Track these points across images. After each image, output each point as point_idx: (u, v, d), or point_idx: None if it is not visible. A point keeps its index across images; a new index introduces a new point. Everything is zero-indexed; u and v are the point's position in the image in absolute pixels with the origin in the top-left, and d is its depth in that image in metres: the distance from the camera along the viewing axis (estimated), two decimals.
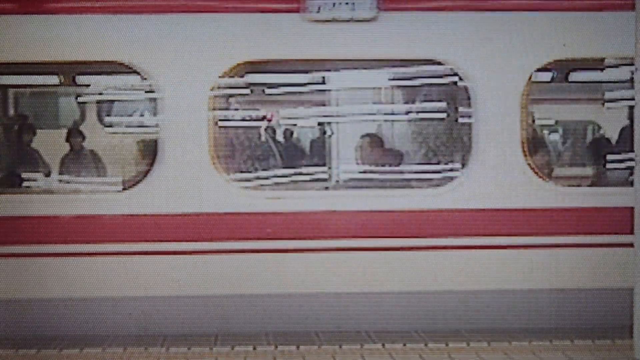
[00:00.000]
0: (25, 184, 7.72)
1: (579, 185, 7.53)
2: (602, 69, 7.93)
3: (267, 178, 7.44)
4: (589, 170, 8.35)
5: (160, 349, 6.22)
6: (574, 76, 8.39)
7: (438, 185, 6.97)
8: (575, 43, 6.86)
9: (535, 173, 6.84)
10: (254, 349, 6.18)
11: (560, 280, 6.82)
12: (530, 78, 6.82)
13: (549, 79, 8.15)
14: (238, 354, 6.08)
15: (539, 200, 6.78)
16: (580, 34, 6.87)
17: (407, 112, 8.21)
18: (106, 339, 6.44)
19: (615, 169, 7.81)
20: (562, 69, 7.93)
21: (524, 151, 6.77)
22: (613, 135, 8.64)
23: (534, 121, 8.06)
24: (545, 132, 8.22)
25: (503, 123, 6.76)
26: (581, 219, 6.83)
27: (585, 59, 7.31)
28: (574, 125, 9.65)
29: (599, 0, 6.96)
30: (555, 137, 8.47)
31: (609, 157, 7.96)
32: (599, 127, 9.94)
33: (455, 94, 7.16)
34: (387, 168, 7.48)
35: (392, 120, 8.35)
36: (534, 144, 7.29)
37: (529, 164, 6.80)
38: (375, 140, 7.73)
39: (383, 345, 6.25)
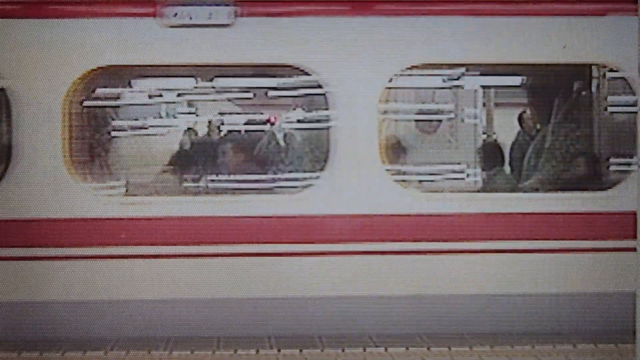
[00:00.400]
0: None
1: (442, 191, 7.48)
2: (464, 74, 7.87)
3: (130, 184, 7.40)
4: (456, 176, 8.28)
5: (163, 352, 6.23)
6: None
7: (297, 191, 6.96)
8: (437, 47, 6.84)
9: (395, 179, 6.83)
10: (257, 352, 6.19)
11: (418, 287, 6.75)
12: (390, 82, 6.83)
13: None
14: (240, 357, 6.10)
15: (397, 207, 6.72)
16: (443, 38, 6.81)
17: (267, 119, 8.30)
18: (109, 341, 6.45)
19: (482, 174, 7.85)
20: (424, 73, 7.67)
21: (382, 157, 6.73)
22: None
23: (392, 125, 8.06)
24: (410, 137, 8.12)
25: (361, 129, 6.71)
26: (443, 225, 6.78)
27: (451, 64, 7.26)
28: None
29: (460, 6, 6.90)
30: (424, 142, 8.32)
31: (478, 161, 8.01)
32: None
33: (314, 100, 7.14)
34: (247, 174, 7.43)
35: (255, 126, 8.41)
36: (395, 150, 7.29)
37: (387, 170, 6.78)
38: (239, 146, 7.72)
39: (386, 349, 6.26)
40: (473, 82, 8.40)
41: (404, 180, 7.10)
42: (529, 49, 6.84)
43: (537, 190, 7.53)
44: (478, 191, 7.87)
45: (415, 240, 6.73)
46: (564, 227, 6.80)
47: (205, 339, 6.52)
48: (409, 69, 6.88)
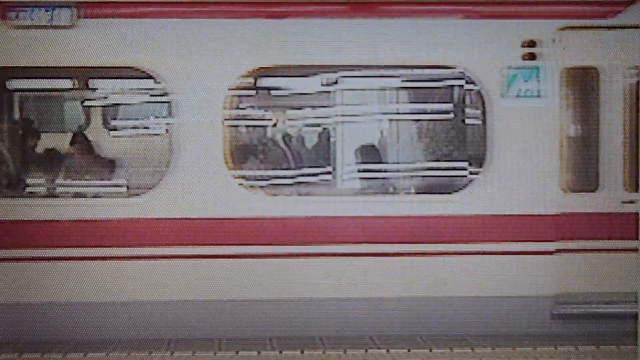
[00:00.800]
0: None
1: (290, 195, 7.33)
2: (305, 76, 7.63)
3: None
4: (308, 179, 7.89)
5: (164, 353, 6.22)
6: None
7: (139, 194, 6.88)
8: (278, 50, 6.78)
9: (240, 183, 6.79)
10: (259, 353, 6.19)
11: (258, 291, 6.72)
12: (235, 87, 6.79)
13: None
14: (242, 358, 6.11)
15: (243, 210, 6.68)
16: (286, 41, 6.77)
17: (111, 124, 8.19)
18: (110, 343, 6.44)
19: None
20: (271, 75, 7.39)
21: (227, 162, 6.70)
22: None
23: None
24: (262, 141, 7.91)
25: (204, 134, 6.67)
26: (292, 228, 6.74)
27: (291, 66, 7.06)
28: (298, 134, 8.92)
29: (307, 7, 6.84)
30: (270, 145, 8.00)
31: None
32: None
33: (157, 103, 7.12)
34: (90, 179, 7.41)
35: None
36: (242, 154, 7.22)
37: (233, 175, 6.75)
38: (85, 148, 7.68)
39: (387, 350, 6.26)
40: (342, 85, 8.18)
41: (250, 184, 6.97)
42: (387, 50, 6.83)
43: (391, 193, 7.44)
44: (335, 194, 7.61)
45: (259, 244, 6.69)
46: (408, 229, 6.80)
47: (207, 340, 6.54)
48: (256, 71, 6.82)
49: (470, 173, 7.02)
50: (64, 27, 6.59)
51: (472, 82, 6.90)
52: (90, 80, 7.83)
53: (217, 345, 6.42)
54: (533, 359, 6.07)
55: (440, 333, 6.69)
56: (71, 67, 6.94)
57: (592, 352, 6.24)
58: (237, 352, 6.20)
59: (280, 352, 6.24)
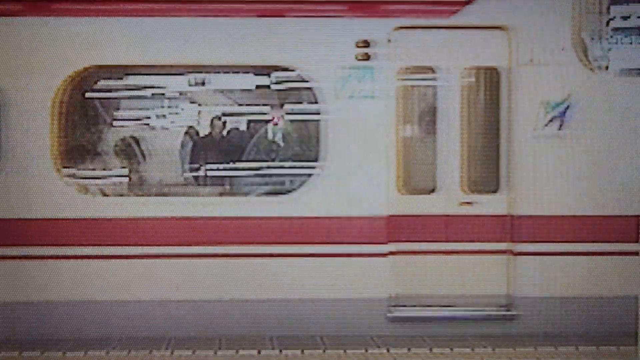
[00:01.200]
0: None
1: (121, 195, 7.23)
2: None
3: None
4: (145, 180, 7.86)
5: (164, 352, 6.23)
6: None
7: None
8: (107, 50, 6.70)
9: (69, 184, 6.73)
10: (259, 352, 6.19)
11: (89, 293, 6.66)
12: (65, 86, 6.69)
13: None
14: (242, 357, 6.10)
15: (69, 211, 6.61)
16: (115, 40, 6.68)
17: None
18: (110, 341, 6.45)
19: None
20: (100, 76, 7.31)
21: (55, 163, 6.65)
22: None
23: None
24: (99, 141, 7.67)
25: (31, 134, 6.59)
26: (118, 229, 6.67)
27: (119, 66, 7.00)
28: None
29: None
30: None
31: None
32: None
33: None
34: None
35: None
36: (74, 156, 7.10)
37: (61, 175, 6.69)
38: None
39: (387, 350, 6.26)
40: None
41: (82, 186, 6.92)
42: (222, 51, 6.74)
43: (224, 194, 7.39)
44: (172, 195, 7.45)
45: (84, 245, 6.62)
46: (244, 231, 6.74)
47: (207, 339, 6.54)
48: (84, 70, 6.73)
49: (305, 174, 6.88)
50: None
51: (308, 84, 6.80)
52: None
53: (218, 344, 6.45)
54: (534, 359, 6.09)
55: (274, 335, 6.64)
56: None
57: (593, 352, 6.24)
58: (236, 352, 6.23)
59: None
